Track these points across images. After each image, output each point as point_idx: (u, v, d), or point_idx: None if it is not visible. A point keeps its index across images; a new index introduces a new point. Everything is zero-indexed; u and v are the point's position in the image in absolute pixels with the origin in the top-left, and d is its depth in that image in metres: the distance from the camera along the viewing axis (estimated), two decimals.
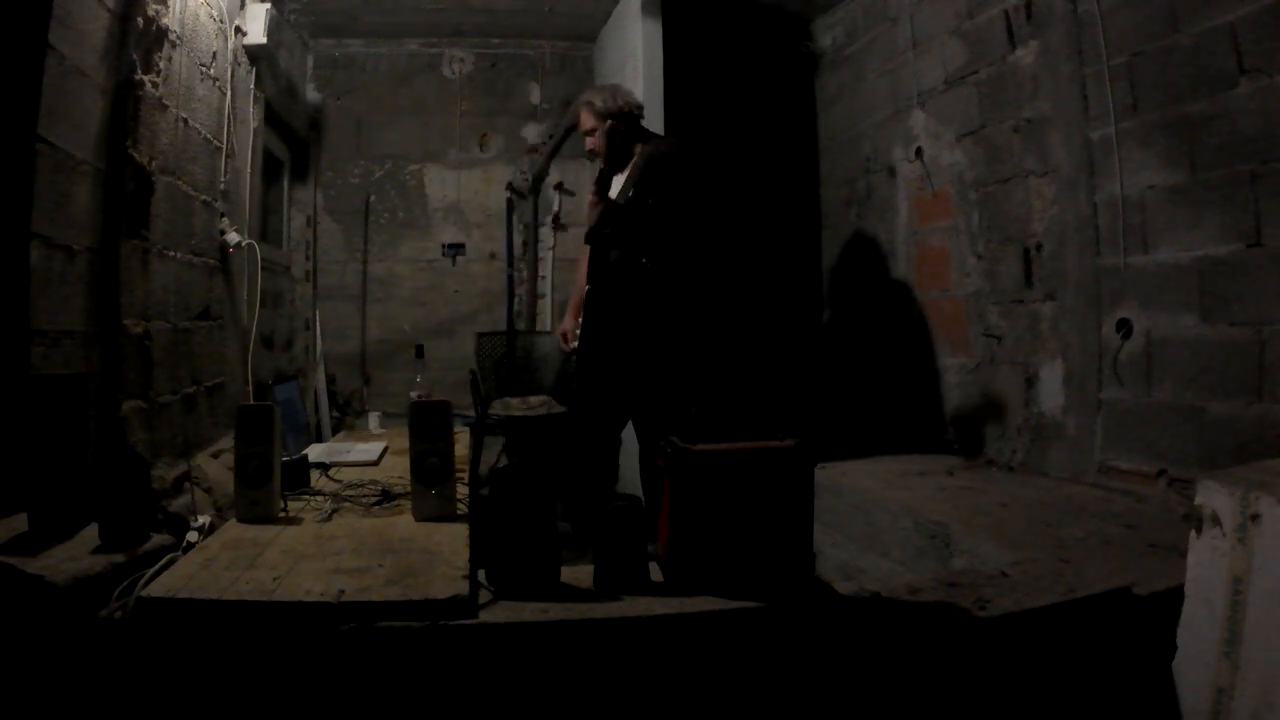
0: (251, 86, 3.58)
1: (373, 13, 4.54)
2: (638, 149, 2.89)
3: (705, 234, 2.84)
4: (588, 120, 2.89)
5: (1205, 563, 1.53)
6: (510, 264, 4.91)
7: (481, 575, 1.63)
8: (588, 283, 2.94)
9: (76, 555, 1.57)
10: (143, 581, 1.48)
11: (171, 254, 2.71)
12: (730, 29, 4.73)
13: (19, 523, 1.70)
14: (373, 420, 3.84)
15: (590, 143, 2.93)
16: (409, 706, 1.42)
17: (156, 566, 1.57)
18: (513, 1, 4.45)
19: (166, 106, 2.62)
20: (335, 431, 4.34)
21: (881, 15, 4.18)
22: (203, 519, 1.89)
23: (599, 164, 2.95)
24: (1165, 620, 1.60)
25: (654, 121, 3.98)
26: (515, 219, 4.94)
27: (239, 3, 3.40)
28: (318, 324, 4.79)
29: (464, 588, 1.50)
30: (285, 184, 4.71)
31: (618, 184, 2.91)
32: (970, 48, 3.51)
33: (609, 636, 1.48)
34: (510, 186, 4.95)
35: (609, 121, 2.86)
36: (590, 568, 1.66)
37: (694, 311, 2.78)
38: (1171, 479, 2.60)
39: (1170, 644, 1.58)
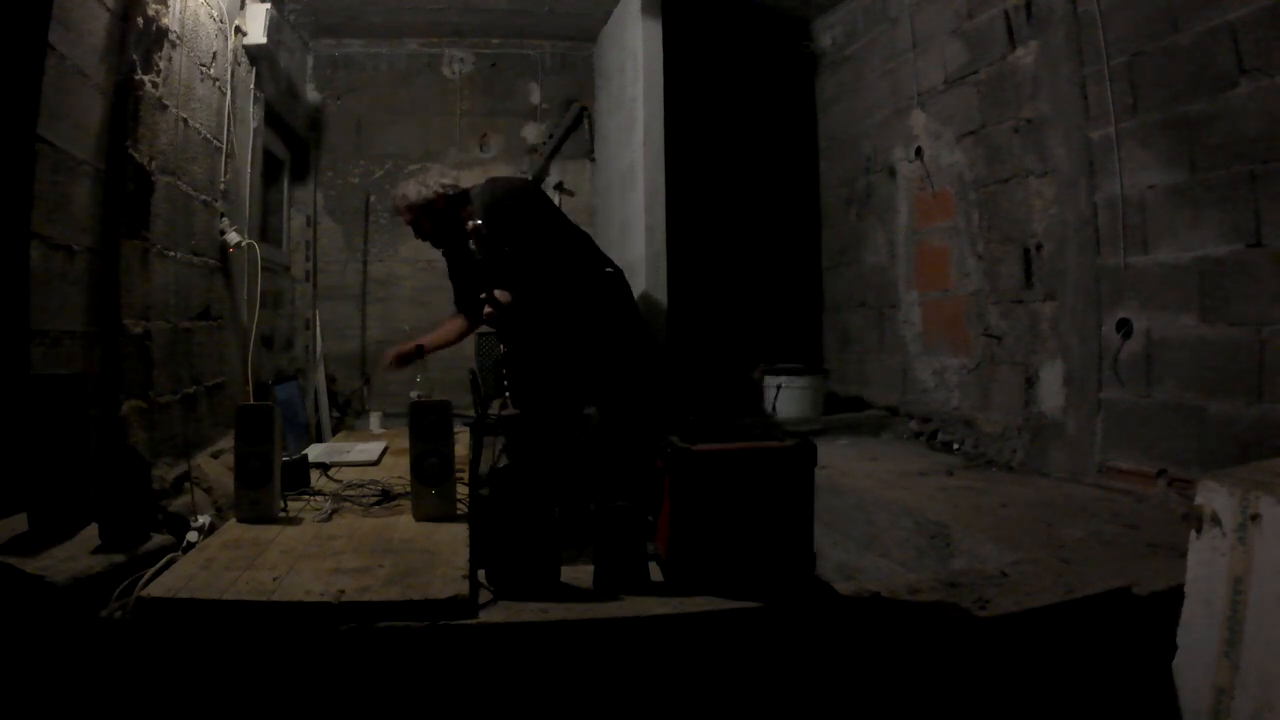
0: (251, 86, 3.58)
1: (373, 13, 4.54)
2: (468, 211, 2.95)
3: (568, 247, 2.95)
4: (408, 214, 2.99)
5: (1205, 563, 1.53)
6: None
7: (481, 575, 1.63)
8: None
9: (76, 555, 1.57)
10: (143, 581, 1.48)
11: (171, 254, 2.71)
12: (730, 29, 4.73)
13: (19, 523, 1.70)
14: (373, 420, 3.84)
15: (417, 232, 3.04)
16: (409, 707, 1.42)
17: (156, 566, 1.57)
18: (512, 1, 4.45)
19: (166, 106, 2.62)
20: (335, 431, 4.34)
21: (881, 15, 4.18)
22: (203, 519, 1.88)
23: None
24: (1165, 620, 1.60)
25: (654, 121, 3.99)
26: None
27: (239, 3, 3.40)
28: (318, 324, 4.79)
29: (464, 588, 1.50)
30: (285, 184, 4.71)
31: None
32: (970, 48, 3.51)
33: (609, 636, 1.48)
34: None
35: (433, 208, 2.94)
36: (590, 568, 1.66)
37: (601, 314, 2.90)
38: (1171, 479, 2.60)
39: (1170, 644, 1.58)
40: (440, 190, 2.94)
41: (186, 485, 2.44)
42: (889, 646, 1.58)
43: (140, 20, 2.40)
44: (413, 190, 2.95)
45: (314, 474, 2.51)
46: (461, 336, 3.34)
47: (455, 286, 3.33)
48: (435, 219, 2.97)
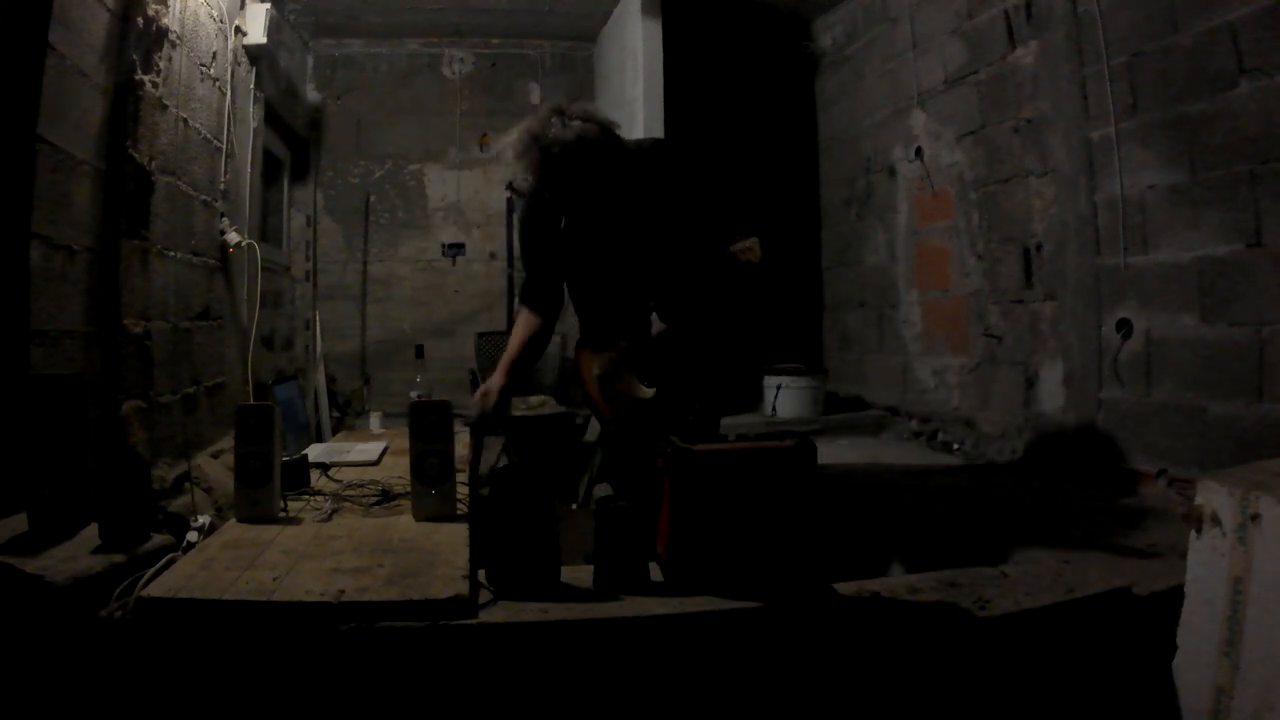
0: (251, 86, 3.58)
1: (373, 13, 4.54)
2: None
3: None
4: (562, 150, 1.94)
5: (1205, 563, 1.52)
6: (510, 264, 4.91)
7: (481, 575, 1.62)
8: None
9: (76, 555, 1.56)
10: (143, 581, 1.48)
11: (171, 254, 2.71)
12: (730, 29, 4.73)
13: (19, 523, 1.70)
14: (373, 420, 3.83)
15: (542, 175, 1.99)
16: (409, 707, 1.42)
17: (156, 566, 1.57)
18: (513, 1, 4.45)
19: (166, 106, 2.62)
20: (335, 431, 4.34)
21: (881, 15, 4.18)
22: (203, 519, 1.88)
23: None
24: (1165, 620, 1.60)
25: (654, 121, 3.99)
26: (515, 219, 4.94)
27: (239, 3, 3.40)
28: (318, 324, 4.79)
29: (464, 588, 1.50)
30: (285, 184, 4.71)
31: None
32: (970, 48, 3.51)
33: (609, 636, 1.48)
34: (510, 186, 4.94)
35: (590, 149, 1.97)
36: (590, 568, 1.66)
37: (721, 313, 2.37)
38: (1171, 479, 2.60)
39: (1170, 644, 1.58)
40: (609, 123, 2.02)
41: (186, 485, 2.44)
42: (889, 646, 1.58)
43: (140, 20, 2.40)
44: (581, 115, 1.96)
45: (314, 474, 2.50)
46: (543, 342, 2.36)
47: (538, 267, 2.30)
48: (583, 163, 1.95)
